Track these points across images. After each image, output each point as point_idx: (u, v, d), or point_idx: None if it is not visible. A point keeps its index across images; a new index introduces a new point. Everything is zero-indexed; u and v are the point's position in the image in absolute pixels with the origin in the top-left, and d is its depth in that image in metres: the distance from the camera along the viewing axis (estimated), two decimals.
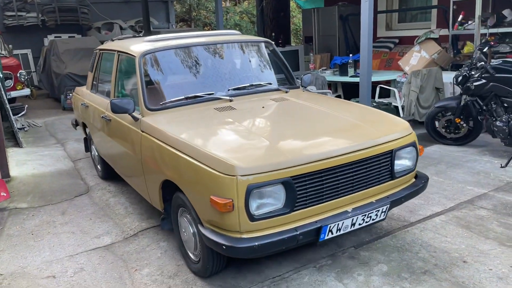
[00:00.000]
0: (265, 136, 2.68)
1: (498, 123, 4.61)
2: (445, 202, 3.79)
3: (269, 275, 2.84)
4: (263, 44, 3.87)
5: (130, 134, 3.26)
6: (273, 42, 3.97)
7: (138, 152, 3.15)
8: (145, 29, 10.93)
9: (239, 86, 3.45)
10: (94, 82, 4.49)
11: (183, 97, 3.22)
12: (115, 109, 3.07)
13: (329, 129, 2.87)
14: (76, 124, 5.46)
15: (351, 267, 2.88)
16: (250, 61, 3.77)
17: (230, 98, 3.27)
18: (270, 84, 3.64)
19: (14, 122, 6.65)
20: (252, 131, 2.84)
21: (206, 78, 3.49)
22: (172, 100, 3.20)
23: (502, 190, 3.97)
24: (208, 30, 18.05)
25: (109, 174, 4.69)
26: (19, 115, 8.45)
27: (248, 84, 3.50)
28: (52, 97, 11.14)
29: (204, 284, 2.79)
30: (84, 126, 4.97)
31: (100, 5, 14.99)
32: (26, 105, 9.43)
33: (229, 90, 3.38)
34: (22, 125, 7.94)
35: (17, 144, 6.52)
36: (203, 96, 3.25)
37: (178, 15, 18.78)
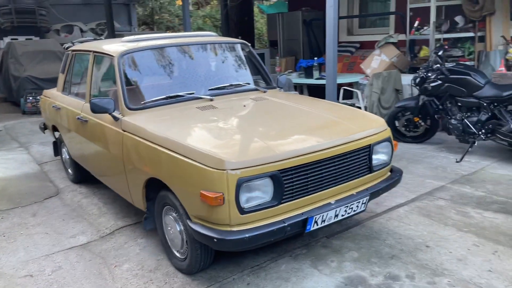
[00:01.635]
0: (251, 132, 2.80)
1: (453, 121, 4.96)
2: (408, 194, 4.05)
3: (247, 265, 2.96)
4: (239, 46, 4.00)
5: (110, 134, 3.28)
6: (249, 44, 4.10)
7: (119, 152, 3.18)
8: (109, 32, 10.78)
9: (219, 86, 3.55)
10: (66, 84, 4.44)
11: (164, 96, 3.28)
12: (95, 109, 3.09)
13: (311, 125, 3.02)
14: (44, 127, 5.36)
15: (324, 255, 3.06)
16: (228, 61, 3.89)
17: (211, 97, 3.36)
18: (249, 84, 3.77)
19: None
20: (237, 127, 2.95)
21: (186, 78, 3.56)
22: (153, 99, 3.25)
23: (458, 182, 4.29)
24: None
25: (81, 177, 4.65)
26: None
27: (228, 84, 3.61)
28: (9, 101, 10.76)
29: (185, 276, 2.87)
30: (54, 129, 4.89)
31: (59, 7, 14.62)
32: None
33: (209, 90, 3.47)
34: None
35: None
36: (184, 96, 3.32)
37: (140, 18, 18.58)
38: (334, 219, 2.74)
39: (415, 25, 6.92)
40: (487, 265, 2.85)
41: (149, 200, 3.10)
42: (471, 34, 6.55)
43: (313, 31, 8.93)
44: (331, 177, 2.73)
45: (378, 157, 3.06)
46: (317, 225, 2.65)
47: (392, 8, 7.99)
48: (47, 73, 9.76)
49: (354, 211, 2.84)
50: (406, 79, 6.25)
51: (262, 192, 2.47)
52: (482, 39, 6.50)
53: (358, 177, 2.91)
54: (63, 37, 14.27)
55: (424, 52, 7.07)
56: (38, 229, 3.74)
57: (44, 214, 4.05)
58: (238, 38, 4.02)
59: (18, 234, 3.67)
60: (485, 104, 4.71)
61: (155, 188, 2.96)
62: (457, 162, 4.84)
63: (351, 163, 2.84)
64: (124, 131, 3.10)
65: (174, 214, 2.82)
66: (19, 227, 3.81)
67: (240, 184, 2.35)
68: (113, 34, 10.50)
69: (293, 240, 3.25)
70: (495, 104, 4.68)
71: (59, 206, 4.24)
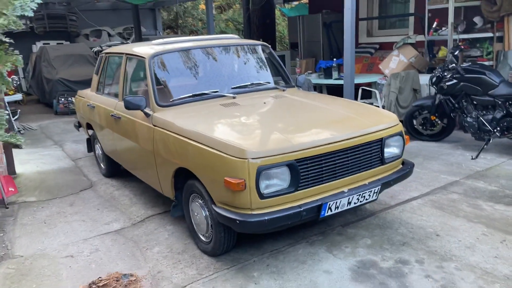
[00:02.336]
0: (270, 126, 3.05)
1: (468, 119, 5.09)
2: (422, 188, 4.22)
3: (267, 249, 3.20)
4: (260, 47, 4.26)
5: (141, 129, 3.58)
6: (269, 46, 4.36)
7: (150, 145, 3.47)
8: (136, 36, 11.23)
9: (241, 85, 3.82)
10: (100, 84, 4.79)
11: (191, 94, 3.58)
12: (129, 106, 3.39)
13: (326, 120, 3.25)
14: (78, 125, 5.73)
15: (339, 241, 3.27)
16: (249, 62, 4.15)
17: (234, 95, 3.63)
18: (269, 83, 4.03)
19: (14, 124, 6.89)
20: (257, 122, 3.20)
21: (210, 77, 3.84)
22: (180, 97, 3.55)
23: (472, 177, 4.43)
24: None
25: (112, 171, 5.01)
26: (13, 119, 8.65)
27: (249, 83, 3.88)
28: (42, 102, 11.33)
29: (210, 258, 3.14)
30: (88, 127, 5.25)
31: (88, 13, 15.23)
32: (19, 110, 9.64)
33: (232, 88, 3.75)
34: (18, 128, 8.16)
35: (16, 145, 6.74)
36: (208, 94, 3.61)
37: (164, 22, 19.11)
38: (347, 206, 2.95)
39: (434, 26, 7.04)
40: (494, 252, 3.01)
41: (177, 190, 3.39)
42: (489, 35, 6.63)
43: (333, 33, 9.11)
44: (344, 168, 2.95)
45: (390, 150, 3.25)
46: (331, 211, 2.87)
47: (411, 9, 8.11)
48: (78, 75, 10.27)
49: (366, 199, 3.05)
50: (424, 79, 6.38)
51: (280, 180, 2.71)
52: (500, 39, 6.57)
53: (370, 168, 3.11)
54: (92, 41, 14.87)
55: (442, 52, 7.17)
56: (75, 217, 4.07)
57: (80, 204, 4.39)
58: (260, 40, 4.27)
59: (58, 221, 4.01)
60: (500, 102, 4.83)
61: (182, 178, 3.24)
62: (472, 159, 4.96)
63: (364, 155, 3.04)
64: (155, 126, 3.39)
65: (200, 201, 3.09)
66: (58, 215, 4.15)
67: (260, 172, 2.60)
68: (140, 38, 10.93)
69: (310, 228, 3.48)
70: (510, 102, 4.79)
71: (94, 197, 4.58)
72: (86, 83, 9.52)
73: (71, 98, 9.86)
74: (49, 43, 13.56)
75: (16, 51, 1.86)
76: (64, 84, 10.20)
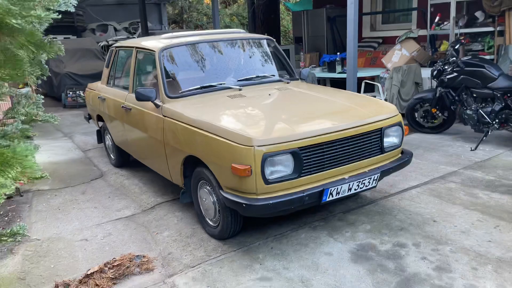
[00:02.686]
0: (275, 116, 3.20)
1: (468, 111, 5.22)
2: (421, 178, 4.36)
3: (271, 234, 3.37)
4: (265, 41, 4.40)
5: (152, 120, 3.75)
6: (274, 40, 4.50)
7: (160, 135, 3.64)
8: (142, 30, 11.38)
9: (247, 77, 3.98)
10: (110, 77, 4.96)
11: (198, 86, 3.74)
12: (140, 97, 3.55)
13: (328, 110, 3.40)
14: (89, 117, 5.91)
15: (340, 227, 3.43)
16: (254, 56, 4.30)
17: (240, 87, 3.79)
18: (274, 76, 4.18)
19: None
20: (262, 112, 3.35)
21: (217, 70, 4.00)
22: (189, 89, 3.71)
23: (470, 168, 4.57)
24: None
25: (122, 162, 5.19)
26: None
27: (254, 76, 4.04)
28: (50, 95, 11.50)
29: (217, 241, 3.31)
30: (98, 119, 5.42)
31: (94, 8, 15.42)
32: None
33: (238, 80, 3.90)
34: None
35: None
36: (215, 86, 3.77)
37: (170, 17, 19.26)
38: (348, 192, 3.11)
39: (436, 20, 7.15)
40: (488, 236, 3.16)
41: (186, 177, 3.55)
42: (491, 29, 6.73)
43: (337, 27, 9.23)
44: (345, 156, 3.10)
45: (389, 140, 3.40)
46: (332, 196, 3.02)
47: (415, 4, 8.21)
48: (85, 69, 10.47)
49: (366, 186, 3.20)
50: (427, 72, 6.51)
51: (284, 166, 2.86)
52: (501, 33, 6.68)
53: (370, 157, 3.26)
54: (98, 36, 15.05)
55: (444, 46, 7.29)
56: (88, 204, 4.26)
57: (92, 192, 4.57)
58: (265, 34, 4.41)
59: (71, 208, 4.20)
60: (498, 95, 4.96)
61: (191, 166, 3.40)
62: (471, 150, 5.09)
63: (364, 144, 3.19)
64: (165, 116, 3.55)
65: (208, 188, 3.25)
66: (71, 202, 4.34)
67: (265, 159, 2.76)
68: (146, 32, 11.09)
69: (312, 214, 3.64)
70: (508, 94, 4.91)
71: (104, 186, 4.77)
72: (94, 77, 9.73)
73: (79, 92, 10.06)
74: (56, 38, 13.73)
75: (59, 41, 2.04)
76: (72, 78, 10.39)
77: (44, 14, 1.75)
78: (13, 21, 1.67)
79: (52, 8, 1.76)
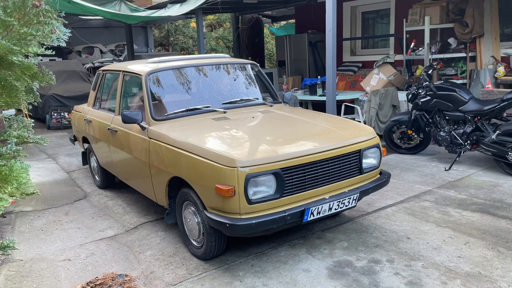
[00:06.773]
0: (258, 138, 3.34)
1: (441, 133, 5.45)
2: (397, 197, 4.53)
3: (252, 252, 3.47)
4: (249, 66, 4.58)
5: (137, 142, 3.85)
6: (258, 64, 4.69)
7: (145, 156, 3.73)
8: (128, 53, 11.55)
9: (231, 101, 4.14)
10: (96, 100, 5.06)
11: (184, 109, 3.87)
12: (126, 119, 3.66)
13: (309, 133, 3.55)
14: (74, 139, 5.97)
15: (318, 244, 3.55)
16: (239, 79, 4.47)
17: (224, 110, 3.94)
18: (257, 99, 4.35)
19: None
20: (246, 134, 3.48)
21: (202, 93, 4.15)
22: (174, 111, 3.84)
23: (444, 187, 4.76)
24: (185, 54, 18.84)
25: (107, 183, 5.25)
26: None
27: (239, 99, 4.20)
28: (34, 117, 11.50)
29: (199, 260, 3.39)
30: (84, 140, 5.49)
31: (80, 30, 15.53)
32: None
33: (222, 103, 4.05)
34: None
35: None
36: (201, 109, 3.91)
37: (156, 40, 19.51)
38: (328, 211, 3.23)
39: (411, 46, 7.48)
40: (458, 252, 3.32)
41: (170, 198, 3.64)
42: (463, 55, 7.07)
43: (318, 51, 9.54)
44: (325, 176, 3.23)
45: (368, 161, 3.55)
46: (313, 216, 3.14)
47: (392, 30, 8.57)
48: (71, 91, 10.54)
49: (346, 205, 3.33)
50: (403, 95, 6.76)
51: (267, 187, 2.98)
52: (473, 59, 7.02)
53: (349, 177, 3.40)
54: (84, 58, 15.17)
55: (419, 71, 7.59)
56: (71, 225, 4.30)
57: (75, 213, 4.62)
58: (249, 58, 4.62)
59: (54, 229, 4.23)
60: (469, 118, 5.21)
61: (176, 187, 3.50)
62: (446, 170, 5.30)
63: (343, 165, 3.34)
64: (150, 138, 3.67)
65: (192, 208, 3.35)
66: (55, 223, 4.37)
67: (248, 179, 2.87)
68: (132, 55, 11.26)
69: (292, 232, 3.76)
70: (478, 117, 5.17)
71: (88, 207, 4.81)
72: (79, 99, 9.81)
73: (64, 113, 10.10)
74: (41, 60, 13.81)
75: (51, 72, 2.20)
76: (57, 99, 10.43)
77: (40, 51, 1.91)
78: (14, 58, 1.82)
79: (45, 44, 1.90)
